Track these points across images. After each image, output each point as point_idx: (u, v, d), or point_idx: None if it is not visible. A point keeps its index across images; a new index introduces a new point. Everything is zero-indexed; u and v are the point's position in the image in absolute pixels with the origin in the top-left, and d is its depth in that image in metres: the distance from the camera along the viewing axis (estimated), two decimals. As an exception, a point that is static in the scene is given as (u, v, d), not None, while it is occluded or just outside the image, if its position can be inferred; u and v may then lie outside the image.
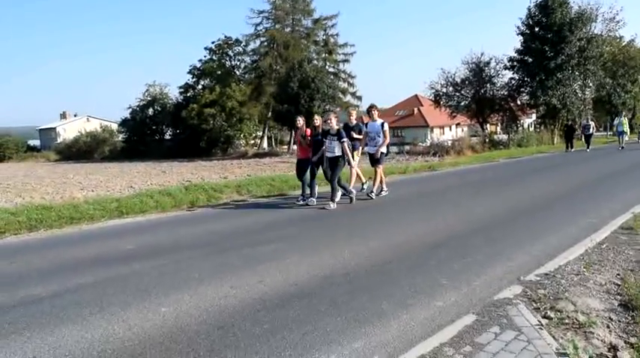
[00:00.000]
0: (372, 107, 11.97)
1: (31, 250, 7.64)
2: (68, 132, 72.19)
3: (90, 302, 4.81)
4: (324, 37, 50.89)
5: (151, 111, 54.87)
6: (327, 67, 49.94)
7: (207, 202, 11.86)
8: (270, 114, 48.96)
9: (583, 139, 28.46)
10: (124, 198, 12.10)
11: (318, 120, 11.38)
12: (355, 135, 11.88)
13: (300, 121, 11.74)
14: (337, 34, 50.78)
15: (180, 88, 53.53)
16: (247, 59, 52.87)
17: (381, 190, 11.89)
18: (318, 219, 9.38)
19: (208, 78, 52.31)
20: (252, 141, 52.26)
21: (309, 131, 11.24)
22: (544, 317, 4.25)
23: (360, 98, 51.77)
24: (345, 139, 10.43)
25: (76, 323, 4.30)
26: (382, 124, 11.59)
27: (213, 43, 52.18)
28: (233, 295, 4.89)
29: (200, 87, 52.55)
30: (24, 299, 5.04)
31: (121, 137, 56.93)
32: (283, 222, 9.21)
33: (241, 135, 50.26)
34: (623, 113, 34.73)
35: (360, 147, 12.12)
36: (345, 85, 51.29)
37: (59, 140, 70.86)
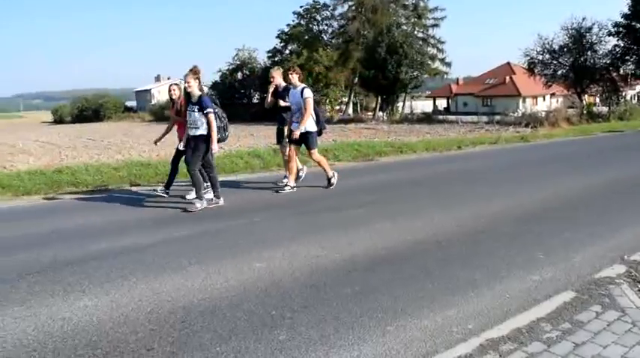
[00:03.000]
0: (288, 69, 8.83)
1: (134, 202, 8.09)
2: (162, 94, 75.20)
3: (188, 254, 5.05)
4: (414, 1, 49.52)
5: (239, 75, 55.96)
6: (415, 32, 48.69)
7: (295, 165, 12.02)
8: (356, 79, 48.61)
9: None
10: (216, 158, 12.49)
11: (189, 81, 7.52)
12: (282, 103, 9.01)
13: (176, 90, 8.64)
14: (427, -2, 49.20)
15: (269, 52, 54.11)
16: (335, 24, 52.52)
17: (285, 185, 8.82)
18: (404, 186, 9.29)
19: (296, 42, 52.47)
20: (338, 107, 52.26)
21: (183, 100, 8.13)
22: (652, 299, 3.99)
23: (449, 64, 50.39)
24: (209, 109, 7.31)
25: (176, 272, 4.53)
26: (302, 91, 8.44)
27: (301, 7, 52.15)
28: (324, 255, 4.96)
29: (287, 52, 52.86)
30: (127, 248, 5.37)
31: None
32: (371, 187, 9.19)
33: (327, 101, 50.32)
34: None
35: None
36: (434, 51, 49.96)
37: (153, 102, 74.07)
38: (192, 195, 7.95)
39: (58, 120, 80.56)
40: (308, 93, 8.46)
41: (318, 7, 51.81)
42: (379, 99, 47.10)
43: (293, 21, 52.63)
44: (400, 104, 49.46)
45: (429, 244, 5.33)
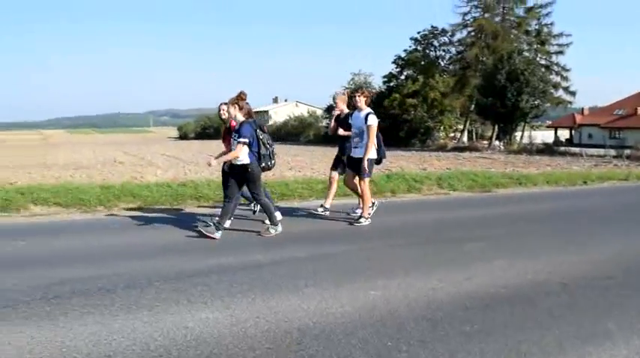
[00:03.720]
0: (355, 91, 8.30)
1: (256, 220, 8.36)
2: (279, 115, 78.03)
3: (304, 275, 5.12)
4: (537, 27, 47.65)
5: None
6: (538, 58, 46.73)
7: (408, 192, 11.89)
8: (472, 107, 47.47)
9: None
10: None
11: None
12: (342, 132, 8.46)
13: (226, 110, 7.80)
14: (552, 24, 47.22)
15: (384, 77, 54.40)
16: (452, 50, 51.84)
17: (360, 216, 8.17)
18: (524, 221, 8.81)
19: (412, 68, 52.35)
20: (452, 134, 51.26)
21: (233, 123, 7.56)
22: None
23: (573, 93, 47.79)
24: (242, 139, 6.85)
25: (293, 293, 4.60)
26: (366, 117, 7.79)
27: (418, 33, 52.03)
28: (440, 288, 4.81)
29: (403, 77, 52.84)
30: (247, 264, 5.56)
31: (325, 123, 59.95)
32: (488, 220, 8.86)
33: (441, 128, 49.56)
34: None
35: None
36: (558, 79, 47.61)
37: (270, 122, 76.94)
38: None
39: (183, 136, 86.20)
40: (372, 120, 7.75)
41: (436, 32, 51.45)
42: (496, 127, 45.55)
43: (410, 46, 52.64)
44: (518, 134, 47.50)
45: (552, 286, 4.99)
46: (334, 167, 8.87)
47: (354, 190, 8.33)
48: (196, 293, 4.56)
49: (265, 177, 9.50)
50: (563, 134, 68.78)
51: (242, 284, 4.82)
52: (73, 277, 5.05)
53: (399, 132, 47.21)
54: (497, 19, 47.82)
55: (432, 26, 51.58)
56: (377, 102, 51.15)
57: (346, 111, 8.47)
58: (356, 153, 7.92)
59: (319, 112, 64.55)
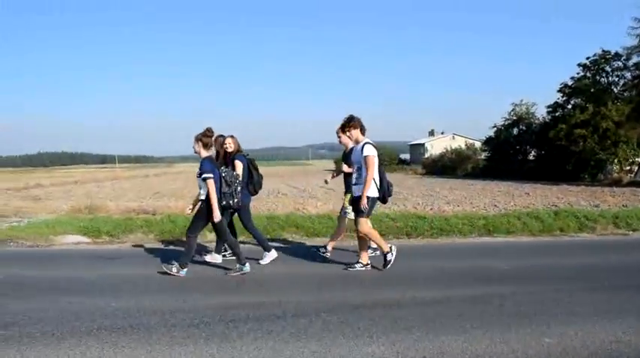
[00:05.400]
0: (349, 121, 7.26)
1: (412, 254, 8.34)
2: (435, 148, 77.13)
3: (471, 316, 4.98)
4: None
5: (515, 130, 54.23)
6: None
7: (580, 231, 11.04)
8: (652, 137, 42.89)
9: None
10: (491, 216, 12.21)
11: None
12: (345, 168, 7.79)
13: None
14: None
15: (548, 107, 51.25)
16: (628, 74, 47.39)
17: (357, 262, 7.29)
18: None
19: (580, 96, 48.83)
20: (628, 168, 46.61)
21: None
22: None
23: None
24: (206, 175, 6.68)
25: (459, 334, 4.50)
26: (362, 148, 7.03)
27: (587, 58, 48.43)
28: (626, 342, 4.35)
29: (570, 106, 49.48)
30: (412, 301, 5.55)
31: (483, 155, 57.98)
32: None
33: (615, 160, 45.32)
34: None
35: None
36: None
37: (426, 155, 76.36)
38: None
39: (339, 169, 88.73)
40: (369, 150, 6.95)
41: (608, 57, 47.57)
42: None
43: (578, 73, 49.25)
44: None
45: None
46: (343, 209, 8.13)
47: (359, 238, 7.31)
48: (362, 327, 4.65)
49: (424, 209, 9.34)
50: None
51: (407, 320, 4.83)
52: (245, 302, 5.45)
53: (566, 165, 44.01)
54: (681, 38, 43.06)
55: (603, 50, 47.85)
56: (540, 134, 48.49)
57: (351, 145, 7.64)
58: (356, 191, 7.08)
59: (477, 145, 62.74)
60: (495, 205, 17.88)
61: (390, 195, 7.34)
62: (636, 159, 47.36)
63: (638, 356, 4.08)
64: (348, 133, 7.28)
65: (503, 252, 8.77)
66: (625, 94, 46.99)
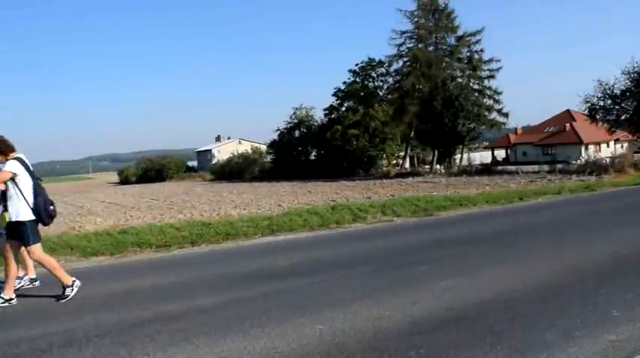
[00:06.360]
0: None
1: (195, 263, 8.23)
2: (222, 153, 77.55)
3: (250, 316, 5.03)
4: (468, 54, 49.57)
5: (297, 133, 57.11)
6: (471, 84, 48.50)
7: (353, 222, 11.98)
8: (412, 133, 48.61)
9: None
10: (275, 216, 12.65)
11: None
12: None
13: None
14: (482, 50, 49.07)
15: (325, 110, 55.07)
16: (390, 79, 53.03)
17: (64, 292, 6.25)
18: (466, 242, 9.01)
19: (352, 99, 53.26)
20: (395, 161, 52.19)
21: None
22: None
23: (506, 115, 49.46)
24: None
25: (238, 335, 4.50)
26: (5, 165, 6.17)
27: (357, 65, 53.17)
28: (387, 316, 4.83)
29: (344, 108, 53.66)
30: (191, 309, 5.41)
31: (269, 158, 59.92)
32: (431, 243, 8.99)
33: (384, 156, 50.42)
34: None
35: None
36: (491, 102, 49.41)
37: (214, 161, 76.36)
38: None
39: (124, 181, 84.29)
40: (7, 165, 6.10)
41: (373, 64, 52.70)
42: (436, 152, 46.80)
43: (349, 79, 53.68)
44: (458, 156, 48.91)
45: (495, 303, 5.11)
46: None
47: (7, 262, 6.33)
48: (138, 346, 4.39)
49: (210, 216, 9.27)
50: (500, 154, 71.51)
51: (186, 332, 4.67)
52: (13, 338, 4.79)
53: (343, 162, 47.76)
54: (431, 48, 49.39)
55: (369, 58, 52.92)
56: (319, 136, 51.68)
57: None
58: (10, 215, 6.18)
59: (263, 148, 64.60)
60: (280, 205, 18.58)
61: (50, 216, 6.37)
62: (401, 154, 53.23)
63: (397, 327, 4.52)
64: None
65: (285, 250, 9.09)
66: (389, 97, 52.41)
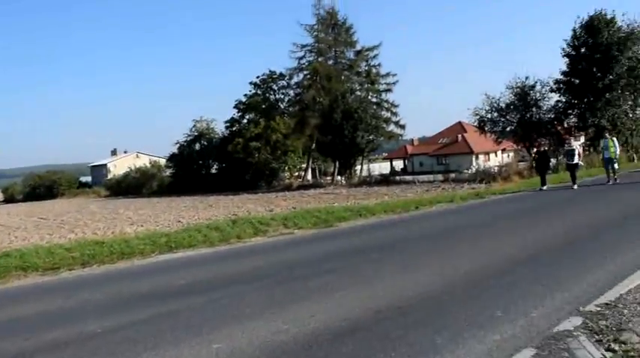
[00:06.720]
0: None
1: (86, 286, 7.80)
2: (118, 168, 74.41)
3: (143, 339, 4.84)
4: (366, 68, 51.13)
5: (197, 146, 56.02)
6: (369, 97, 50.03)
7: (255, 236, 11.91)
8: (313, 145, 49.24)
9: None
10: (173, 232, 12.31)
11: None
12: None
13: None
14: (379, 65, 50.84)
15: (226, 122, 54.49)
16: (291, 92, 53.46)
17: None
18: (364, 252, 9.21)
19: (253, 112, 53.08)
20: (297, 173, 52.55)
21: None
22: (608, 349, 4.03)
23: (403, 127, 51.45)
24: None
25: (130, 360, 4.32)
26: None
27: (258, 77, 53.17)
28: (285, 330, 4.83)
29: (245, 121, 53.37)
30: (80, 335, 5.12)
31: (168, 172, 58.24)
32: (332, 254, 9.12)
33: (286, 168, 50.64)
34: (606, 132, 22.38)
35: None
36: (388, 115, 51.22)
37: (109, 176, 73.06)
38: None
39: (9, 199, 78.27)
40: None
41: (274, 76, 52.91)
42: (337, 163, 47.75)
43: (250, 91, 53.51)
44: (358, 167, 50.17)
45: (390, 311, 5.26)
46: None
47: None
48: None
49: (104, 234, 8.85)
50: (398, 164, 74.40)
51: (73, 360, 4.42)
52: None
53: (244, 175, 47.44)
54: (331, 62, 50.40)
55: (270, 71, 53.08)
56: (220, 148, 51.03)
57: None
58: None
59: (162, 162, 62.75)
60: (180, 221, 18.11)
61: None
62: (303, 166, 53.73)
63: (295, 341, 4.53)
64: None
65: (183, 267, 8.86)
66: (290, 109, 52.79)
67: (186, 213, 21.84)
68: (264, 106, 52.46)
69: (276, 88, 53.98)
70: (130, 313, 5.88)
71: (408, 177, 41.27)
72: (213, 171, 54.80)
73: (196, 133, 56.20)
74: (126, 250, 10.31)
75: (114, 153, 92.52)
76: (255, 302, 6.00)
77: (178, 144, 56.33)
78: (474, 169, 38.07)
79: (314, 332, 4.74)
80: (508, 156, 58.80)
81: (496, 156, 64.64)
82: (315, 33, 48.84)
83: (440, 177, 35.23)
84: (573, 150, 19.68)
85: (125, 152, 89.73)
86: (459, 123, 71.83)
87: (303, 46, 49.16)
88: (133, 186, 58.32)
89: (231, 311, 5.65)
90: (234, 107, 54.06)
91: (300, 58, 49.62)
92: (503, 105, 36.66)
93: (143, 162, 67.04)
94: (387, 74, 50.70)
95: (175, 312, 5.77)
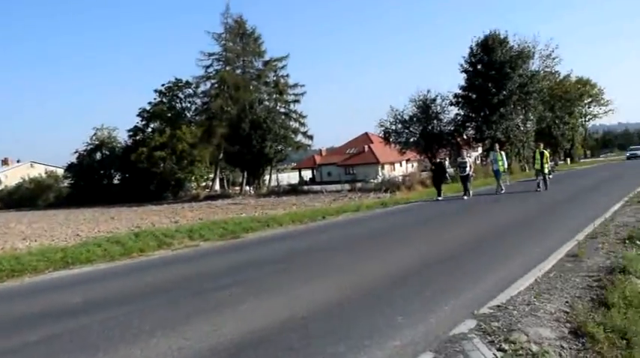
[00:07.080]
0: None
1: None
2: (10, 179, 69.49)
3: (33, 362, 4.56)
4: (275, 78, 51.34)
5: (98, 155, 53.63)
6: (278, 107, 50.25)
7: (159, 249, 11.57)
8: (221, 155, 48.65)
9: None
10: (70, 247, 11.69)
11: None
12: None
13: None
14: (287, 75, 51.31)
15: (129, 131, 52.59)
16: (198, 101, 52.61)
17: None
18: (269, 264, 9.19)
19: (158, 120, 51.61)
20: (204, 184, 51.63)
21: None
22: (499, 349, 4.31)
23: (311, 137, 52.17)
24: None
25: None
26: None
27: (163, 85, 51.81)
28: (187, 346, 4.74)
29: (150, 130, 51.77)
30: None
31: (67, 183, 55.23)
32: (237, 266, 9.05)
33: (192, 178, 49.59)
34: (496, 146, 23.49)
35: None
36: (297, 125, 51.69)
37: (0, 187, 68.16)
38: None
39: None
40: None
41: (180, 84, 51.83)
42: (245, 173, 47.51)
43: (155, 99, 52.03)
44: (267, 177, 50.18)
45: (293, 322, 5.31)
46: None
47: None
48: None
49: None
50: (307, 174, 75.18)
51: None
52: None
53: (149, 186, 45.97)
54: (239, 71, 50.15)
55: (175, 78, 51.92)
56: (123, 158, 49.19)
57: None
58: None
59: (60, 172, 59.43)
60: (78, 234, 17.23)
61: None
62: (210, 176, 52.91)
63: (196, 355, 4.46)
64: None
65: (80, 284, 8.43)
66: (197, 118, 51.89)
67: (85, 226, 20.80)
68: (169, 115, 51.21)
69: (182, 97, 52.90)
70: (20, 334, 5.52)
71: (316, 187, 41.76)
72: (116, 181, 52.67)
73: (97, 142, 53.85)
74: (16, 267, 9.64)
75: (5, 162, 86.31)
76: (156, 318, 5.83)
77: (77, 154, 53.67)
78: (379, 179, 39.35)
79: (217, 347, 4.70)
80: (412, 166, 61.26)
81: (401, 166, 67.09)
82: (223, 42, 48.51)
83: (347, 186, 35.99)
84: (465, 162, 20.82)
85: (18, 161, 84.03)
86: (366, 134, 73.87)
87: (211, 55, 48.63)
88: (27, 197, 54.71)
89: (130, 328, 5.44)
90: (137, 115, 52.32)
91: (208, 67, 49.03)
92: (407, 118, 38.42)
93: (38, 172, 63.08)
94: (295, 85, 51.28)
95: (70, 332, 5.49)
